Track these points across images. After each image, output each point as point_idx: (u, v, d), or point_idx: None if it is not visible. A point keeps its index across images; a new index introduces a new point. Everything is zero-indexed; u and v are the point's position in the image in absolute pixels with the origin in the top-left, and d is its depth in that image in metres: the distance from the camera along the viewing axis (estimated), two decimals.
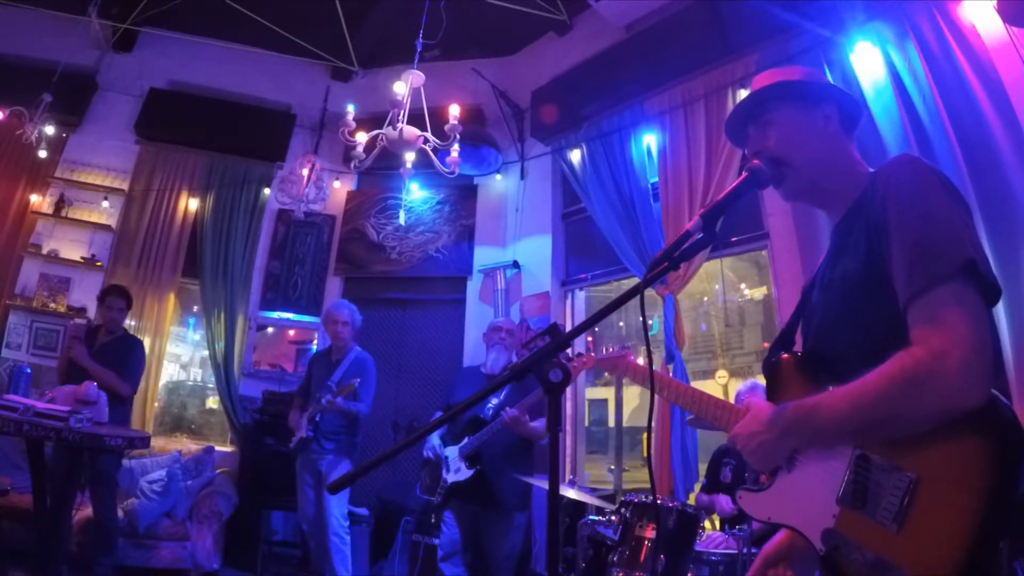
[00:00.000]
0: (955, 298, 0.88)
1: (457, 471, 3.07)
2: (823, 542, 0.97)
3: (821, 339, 1.15)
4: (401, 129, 3.38)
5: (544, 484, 2.77)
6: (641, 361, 1.77)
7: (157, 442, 4.37)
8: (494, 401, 3.13)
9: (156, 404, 5.20)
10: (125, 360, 3.64)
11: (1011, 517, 0.82)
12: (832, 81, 1.32)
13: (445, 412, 1.22)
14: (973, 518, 0.81)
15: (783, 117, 1.20)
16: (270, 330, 5.51)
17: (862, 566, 0.90)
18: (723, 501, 3.01)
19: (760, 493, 1.14)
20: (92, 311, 4.85)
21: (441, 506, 3.16)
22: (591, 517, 2.79)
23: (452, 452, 3.14)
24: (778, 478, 1.11)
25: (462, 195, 5.52)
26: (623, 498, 2.61)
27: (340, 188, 5.69)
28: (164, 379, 5.48)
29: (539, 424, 3.00)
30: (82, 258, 5.06)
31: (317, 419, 3.65)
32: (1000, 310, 2.57)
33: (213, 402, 5.41)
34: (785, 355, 1.19)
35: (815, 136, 1.18)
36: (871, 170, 1.15)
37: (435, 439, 3.26)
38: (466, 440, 3.08)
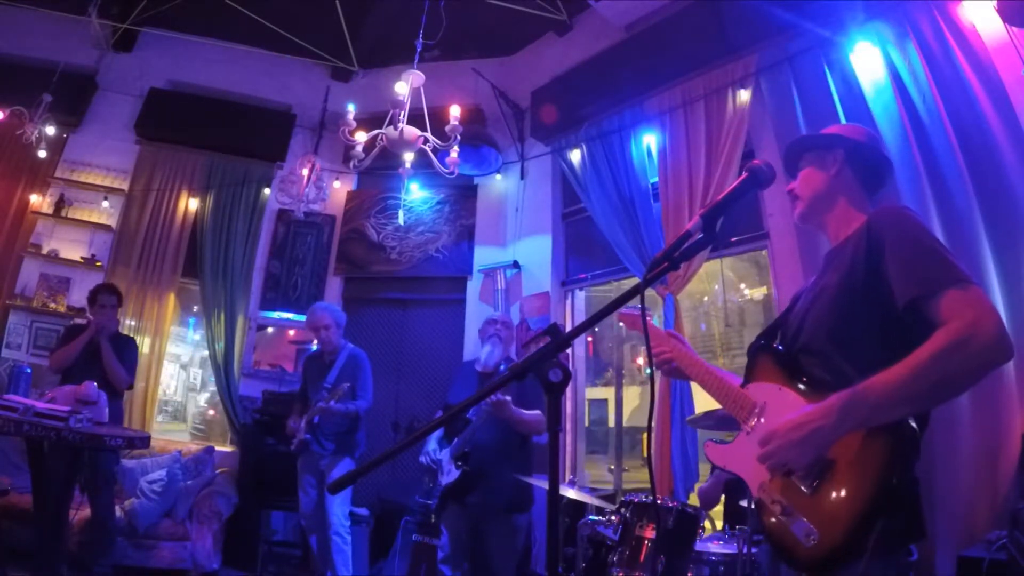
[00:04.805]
0: (972, 291, 1.11)
1: (448, 473, 3.02)
2: (758, 491, 1.27)
3: (806, 337, 1.33)
4: (401, 129, 3.38)
5: (544, 484, 2.77)
6: (641, 361, 1.86)
7: (157, 442, 4.37)
8: None
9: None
10: (122, 354, 3.75)
11: (892, 501, 1.08)
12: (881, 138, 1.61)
13: (444, 412, 1.22)
14: (864, 494, 1.09)
15: (806, 162, 1.50)
16: (270, 330, 5.51)
17: (779, 512, 1.20)
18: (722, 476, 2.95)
19: (723, 445, 1.43)
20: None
21: (439, 509, 3.14)
22: (591, 517, 2.79)
23: (445, 455, 3.09)
24: (737, 438, 1.39)
25: (462, 195, 5.52)
26: (623, 498, 2.61)
27: (340, 188, 5.69)
28: (173, 382, 5.49)
29: (530, 415, 2.91)
30: (82, 258, 5.06)
31: (315, 421, 3.65)
32: (1000, 308, 2.57)
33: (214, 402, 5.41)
34: (774, 345, 1.42)
35: (820, 177, 1.46)
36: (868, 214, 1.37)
37: (432, 443, 3.19)
38: (455, 441, 3.04)
